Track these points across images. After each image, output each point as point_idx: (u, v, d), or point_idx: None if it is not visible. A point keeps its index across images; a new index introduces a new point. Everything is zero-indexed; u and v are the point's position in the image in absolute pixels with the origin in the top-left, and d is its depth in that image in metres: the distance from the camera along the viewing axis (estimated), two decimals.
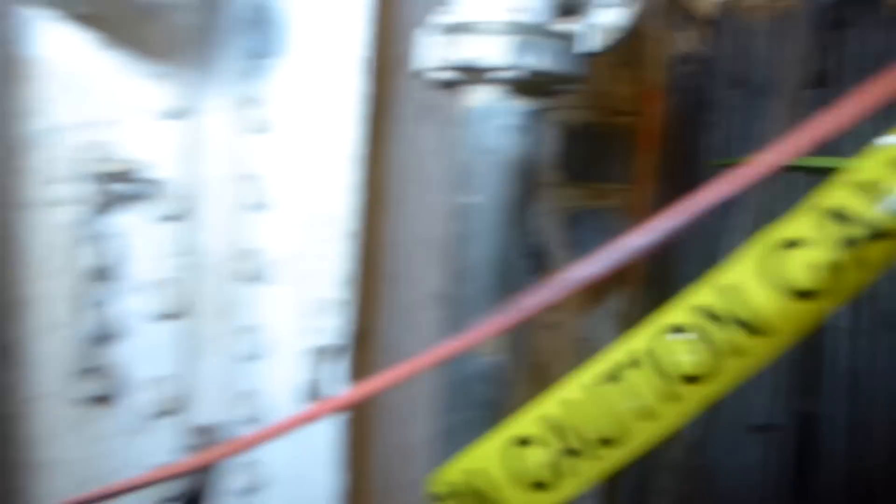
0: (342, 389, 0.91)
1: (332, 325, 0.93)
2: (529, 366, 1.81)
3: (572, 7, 0.86)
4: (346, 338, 0.94)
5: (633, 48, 1.68)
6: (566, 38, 0.82)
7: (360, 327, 1.00)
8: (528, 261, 1.64)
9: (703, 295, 0.74)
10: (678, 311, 0.76)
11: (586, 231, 1.65)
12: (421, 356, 0.82)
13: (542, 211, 1.49)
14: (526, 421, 0.86)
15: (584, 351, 1.89)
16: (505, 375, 0.90)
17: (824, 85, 1.97)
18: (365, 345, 1.02)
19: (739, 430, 2.06)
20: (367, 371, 0.92)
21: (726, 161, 2.15)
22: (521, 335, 1.82)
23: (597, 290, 1.88)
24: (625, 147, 1.68)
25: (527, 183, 0.89)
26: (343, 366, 0.95)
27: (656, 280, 2.20)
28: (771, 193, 2.01)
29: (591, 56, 0.90)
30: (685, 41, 2.32)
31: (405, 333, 1.15)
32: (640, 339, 0.79)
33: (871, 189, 0.63)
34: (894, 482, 1.88)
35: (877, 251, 0.63)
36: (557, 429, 0.83)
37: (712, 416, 2.08)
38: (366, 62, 0.89)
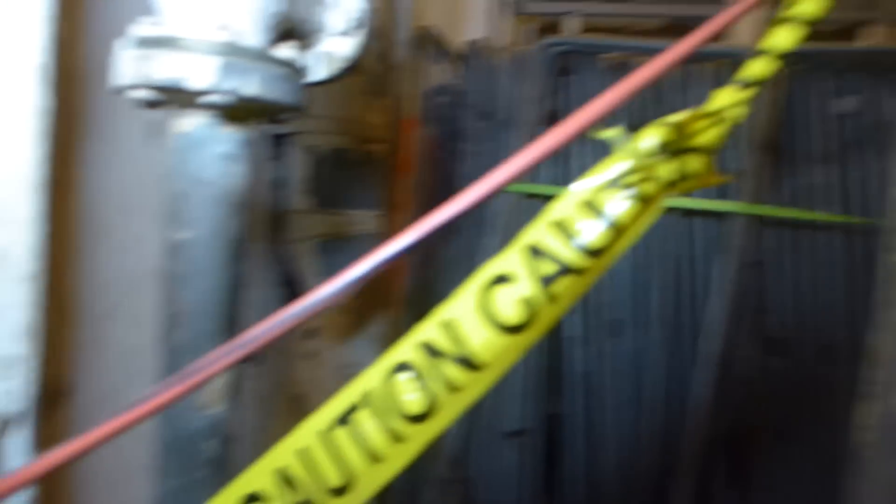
0: (24, 462, 0.74)
1: (8, 388, 0.75)
2: (287, 398, 1.71)
3: (294, 33, 0.80)
4: (29, 400, 0.76)
5: (389, 78, 1.70)
6: (284, 64, 0.76)
7: (51, 385, 0.82)
8: (281, 291, 1.54)
9: (427, 331, 0.73)
10: (406, 349, 0.74)
11: (343, 259, 1.60)
12: (119, 415, 0.69)
13: (293, 239, 1.41)
14: (258, 475, 0.78)
15: (345, 379, 1.84)
16: (230, 429, 0.81)
17: (555, 122, 2.18)
18: (59, 406, 0.85)
19: (497, 437, 2.16)
20: (64, 438, 0.75)
21: None
22: (278, 366, 1.71)
23: (358, 316, 1.84)
24: (381, 174, 1.68)
25: (263, 216, 0.82)
26: (26, 435, 0.77)
27: (417, 303, 2.25)
28: (518, 216, 2.17)
29: (316, 84, 0.85)
30: (440, 74, 2.42)
31: (123, 384, 0.98)
32: (371, 379, 0.76)
33: (563, 228, 0.67)
34: (624, 467, 2.10)
35: (567, 286, 0.67)
36: (289, 481, 0.76)
37: (472, 428, 2.16)
38: (45, 70, 0.73)
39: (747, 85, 0.60)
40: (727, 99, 0.60)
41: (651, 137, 0.60)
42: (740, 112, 0.60)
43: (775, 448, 1.99)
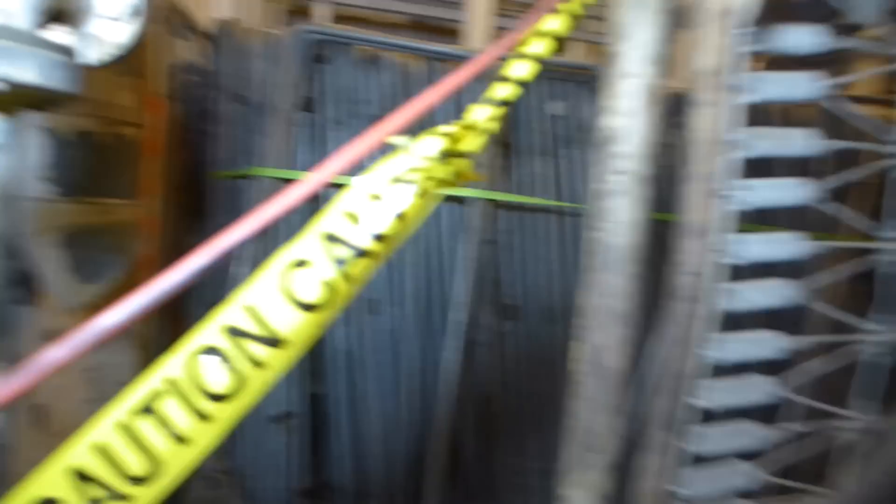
0: None
1: None
2: (29, 409, 1.54)
3: (63, 15, 0.78)
4: None
5: (135, 55, 1.59)
6: (60, 49, 0.74)
7: None
8: (17, 290, 1.38)
9: (229, 315, 0.79)
10: (208, 333, 0.79)
11: (94, 251, 1.49)
12: None
13: (34, 233, 1.28)
14: (47, 480, 0.76)
15: (97, 381, 1.71)
16: (6, 439, 0.76)
17: (311, 110, 2.27)
18: None
19: (263, 423, 2.19)
20: None
21: (231, 173, 2.25)
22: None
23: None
24: (130, 159, 1.58)
25: (13, 210, 0.77)
26: None
27: (171, 298, 2.15)
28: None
29: (88, 70, 0.83)
30: (188, 50, 2.31)
31: None
32: (174, 366, 0.79)
33: (356, 217, 0.79)
34: (387, 435, 2.30)
35: (360, 267, 0.79)
36: (86, 478, 0.76)
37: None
38: None
39: (498, 104, 0.78)
40: (484, 114, 0.78)
41: (430, 143, 0.75)
42: (494, 126, 0.78)
43: (512, 396, 2.39)
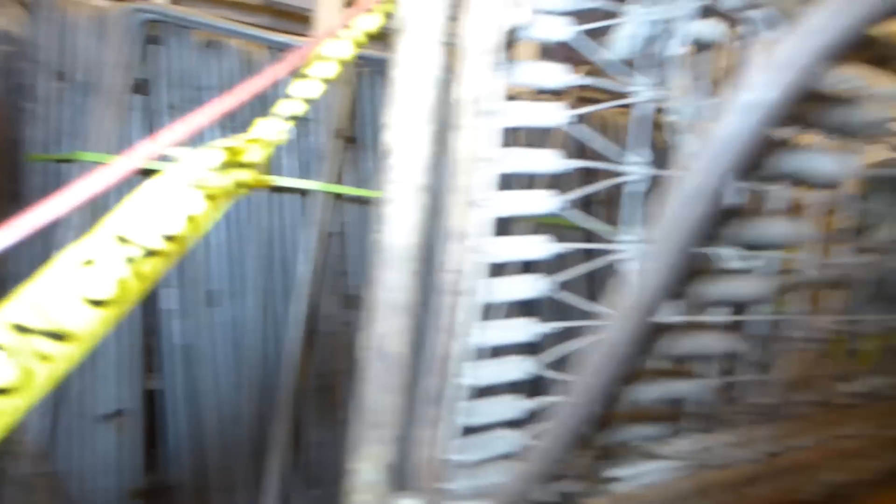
0: None
1: None
2: None
3: None
4: None
5: None
6: None
7: None
8: None
9: (12, 310, 0.83)
10: None
11: None
12: None
13: None
14: None
15: None
16: None
17: (144, 92, 2.24)
18: None
19: (89, 423, 2.16)
20: None
21: (53, 157, 2.17)
22: None
23: None
24: None
25: None
26: None
27: None
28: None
29: None
30: (2, 18, 2.19)
31: None
32: None
33: (146, 218, 0.86)
34: (228, 428, 2.35)
35: (150, 265, 0.86)
36: None
37: (56, 419, 2.12)
38: None
39: (286, 118, 0.88)
40: (269, 128, 0.88)
41: (211, 156, 0.84)
42: (281, 139, 0.89)
43: (355, 383, 2.52)
